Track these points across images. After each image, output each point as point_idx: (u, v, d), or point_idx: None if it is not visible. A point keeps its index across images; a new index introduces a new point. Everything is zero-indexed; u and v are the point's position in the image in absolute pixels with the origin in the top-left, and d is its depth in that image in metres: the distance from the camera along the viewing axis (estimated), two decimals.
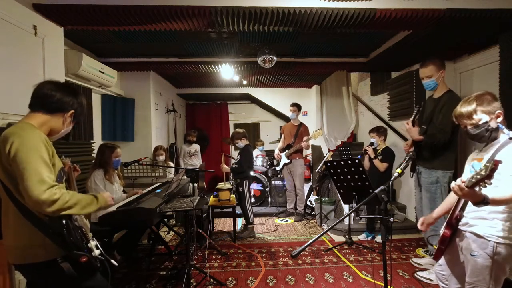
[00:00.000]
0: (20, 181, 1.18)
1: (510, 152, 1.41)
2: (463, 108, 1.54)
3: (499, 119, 1.49)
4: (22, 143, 1.20)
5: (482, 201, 1.29)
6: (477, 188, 1.25)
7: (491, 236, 1.46)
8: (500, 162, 1.15)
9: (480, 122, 1.49)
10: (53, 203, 1.18)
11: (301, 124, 4.71)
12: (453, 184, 1.35)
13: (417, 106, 2.70)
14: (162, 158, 4.14)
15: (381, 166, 3.56)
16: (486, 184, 1.20)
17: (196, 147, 5.63)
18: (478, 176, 1.19)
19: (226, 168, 3.97)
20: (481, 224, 1.49)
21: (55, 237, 1.23)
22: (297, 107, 4.67)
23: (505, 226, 1.44)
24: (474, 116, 1.50)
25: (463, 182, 1.28)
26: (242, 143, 3.96)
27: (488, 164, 1.17)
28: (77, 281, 1.33)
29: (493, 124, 1.48)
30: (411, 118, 2.69)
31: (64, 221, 1.23)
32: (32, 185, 1.16)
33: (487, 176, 1.17)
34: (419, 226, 1.79)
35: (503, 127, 1.49)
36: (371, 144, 3.73)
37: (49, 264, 1.28)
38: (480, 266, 1.48)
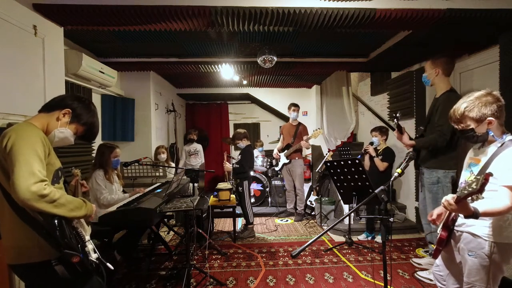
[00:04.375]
0: (11, 173, 1.15)
1: (505, 160, 1.40)
2: (454, 112, 1.55)
3: (491, 125, 1.47)
4: (18, 137, 1.21)
5: (472, 215, 1.31)
6: (469, 200, 1.25)
7: (488, 236, 1.46)
8: (490, 175, 1.15)
9: (468, 128, 1.51)
10: (41, 198, 1.14)
11: (299, 123, 4.71)
12: (443, 200, 1.36)
13: (394, 115, 2.72)
14: (163, 156, 4.14)
15: (381, 165, 3.57)
16: (478, 198, 1.20)
17: (196, 146, 5.61)
18: (470, 189, 1.18)
19: (229, 166, 3.97)
20: (478, 224, 1.49)
21: (48, 237, 1.21)
22: (298, 107, 4.69)
23: (502, 225, 1.45)
24: (462, 123, 1.52)
25: (453, 198, 1.29)
26: (243, 143, 3.96)
27: (479, 177, 1.16)
28: (73, 285, 1.31)
29: (480, 130, 1.48)
30: (395, 127, 2.72)
31: (56, 221, 1.20)
32: (22, 176, 1.13)
33: (478, 190, 1.16)
34: (429, 218, 1.71)
35: (492, 133, 1.48)
36: (371, 143, 3.74)
37: (43, 265, 1.26)
38: (477, 266, 1.48)
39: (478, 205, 1.32)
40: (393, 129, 4.50)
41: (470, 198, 1.21)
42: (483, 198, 1.19)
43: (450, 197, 1.31)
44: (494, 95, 1.49)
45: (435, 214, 1.68)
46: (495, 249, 1.44)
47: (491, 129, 1.47)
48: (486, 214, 1.35)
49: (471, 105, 1.48)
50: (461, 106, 1.51)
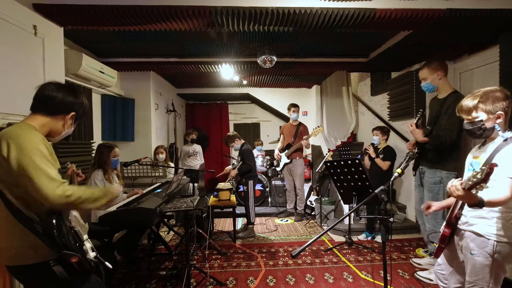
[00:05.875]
0: (30, 183, 1.17)
1: (506, 154, 1.40)
2: (465, 102, 1.54)
3: (499, 120, 1.48)
4: (22, 146, 1.18)
5: (478, 203, 1.30)
6: (473, 191, 1.25)
7: (491, 235, 1.46)
8: (495, 165, 1.15)
9: (476, 120, 1.50)
10: (66, 198, 1.19)
11: (300, 123, 4.71)
12: (449, 184, 1.35)
13: (420, 110, 2.69)
14: (162, 156, 4.14)
15: (384, 165, 3.56)
16: (482, 188, 1.21)
17: (195, 147, 5.59)
18: (474, 179, 1.19)
19: (234, 171, 3.95)
20: (481, 223, 1.50)
21: (45, 238, 1.20)
22: (297, 107, 4.70)
23: (505, 225, 1.45)
24: (473, 113, 1.51)
25: (461, 184, 1.28)
26: (238, 144, 3.99)
27: (484, 168, 1.17)
28: (71, 285, 1.30)
29: (488, 124, 1.48)
30: (414, 121, 2.66)
31: (54, 221, 1.21)
32: (44, 184, 1.16)
33: (483, 180, 1.17)
34: (424, 208, 1.75)
35: (499, 128, 1.48)
36: (372, 144, 3.74)
37: (40, 267, 1.25)
38: (480, 265, 1.48)
39: (483, 195, 1.31)
40: (394, 130, 4.53)
41: (475, 189, 1.23)
42: (487, 187, 1.20)
43: (457, 182, 1.31)
44: (506, 92, 1.50)
45: (432, 206, 1.72)
46: (498, 248, 1.44)
47: (498, 124, 1.47)
48: (490, 204, 1.35)
49: (485, 96, 1.49)
50: (473, 99, 1.51)
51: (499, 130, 1.48)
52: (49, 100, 1.36)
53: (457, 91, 2.71)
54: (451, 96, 2.64)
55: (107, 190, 1.42)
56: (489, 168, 1.15)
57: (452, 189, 1.33)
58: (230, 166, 4.04)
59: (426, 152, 2.75)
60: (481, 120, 1.49)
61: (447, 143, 2.56)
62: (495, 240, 1.45)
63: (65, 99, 1.38)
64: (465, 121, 1.56)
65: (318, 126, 4.45)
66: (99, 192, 1.37)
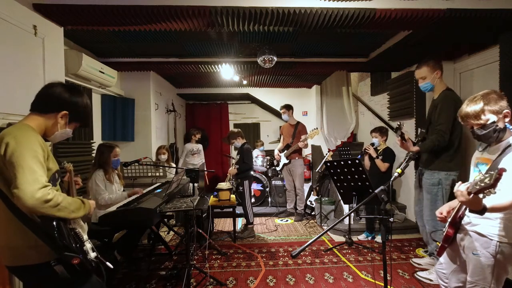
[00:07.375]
0: (14, 179, 1.15)
1: None
2: (469, 108, 1.49)
3: (507, 119, 1.45)
4: (18, 143, 1.18)
5: (480, 211, 1.29)
6: (481, 195, 1.22)
7: (494, 235, 1.45)
8: (504, 170, 1.11)
9: (488, 122, 1.45)
10: (45, 203, 1.15)
11: (298, 123, 4.71)
12: (455, 188, 1.34)
13: (398, 124, 2.71)
14: (164, 157, 4.14)
15: (383, 166, 3.56)
16: (490, 193, 1.16)
17: (199, 146, 5.63)
18: (482, 184, 1.16)
19: (234, 170, 3.97)
20: (484, 224, 1.49)
21: (46, 239, 1.20)
22: (285, 108, 4.68)
23: (508, 225, 1.44)
24: (482, 117, 1.46)
25: (467, 188, 1.26)
26: (238, 142, 4.01)
27: (492, 173, 1.13)
28: (72, 285, 1.31)
29: (501, 124, 1.45)
30: (398, 137, 2.68)
31: (55, 223, 1.19)
32: (26, 183, 1.13)
33: (491, 185, 1.13)
34: (438, 215, 1.68)
35: (511, 127, 1.45)
36: (372, 144, 3.74)
37: (42, 267, 1.25)
38: (482, 265, 1.48)
39: (486, 201, 1.29)
40: (393, 129, 4.52)
41: (482, 194, 1.18)
42: (495, 193, 1.15)
43: (463, 187, 1.28)
44: (499, 93, 1.49)
45: (445, 211, 1.66)
46: (500, 248, 1.44)
47: (508, 123, 1.45)
48: (493, 210, 1.33)
49: (486, 98, 1.46)
50: (476, 102, 1.47)
51: (510, 128, 1.45)
52: (42, 98, 1.36)
53: (448, 89, 2.69)
54: (441, 95, 2.66)
55: (83, 204, 1.36)
56: (497, 173, 1.10)
57: (457, 193, 1.32)
58: (233, 167, 4.05)
59: (424, 154, 2.75)
60: (494, 122, 1.43)
61: (441, 145, 2.55)
62: (497, 241, 1.44)
63: (58, 96, 1.35)
64: (474, 128, 1.50)
65: (316, 128, 4.45)
66: (78, 204, 1.33)
